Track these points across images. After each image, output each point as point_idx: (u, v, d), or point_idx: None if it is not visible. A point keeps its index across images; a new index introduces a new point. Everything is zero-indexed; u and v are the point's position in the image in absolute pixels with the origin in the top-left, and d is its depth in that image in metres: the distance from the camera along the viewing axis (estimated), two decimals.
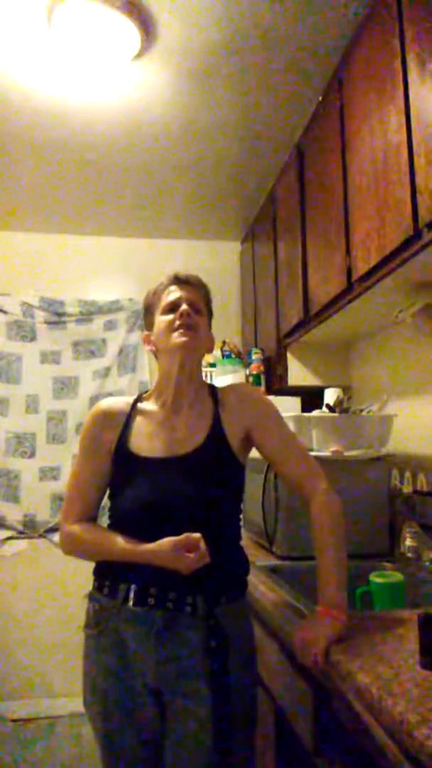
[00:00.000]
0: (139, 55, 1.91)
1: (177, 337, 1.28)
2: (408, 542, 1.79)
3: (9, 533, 3.10)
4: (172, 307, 1.31)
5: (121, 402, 1.38)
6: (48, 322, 3.28)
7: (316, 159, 2.07)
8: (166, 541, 1.14)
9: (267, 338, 2.83)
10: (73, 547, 1.29)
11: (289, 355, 2.62)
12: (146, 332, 1.39)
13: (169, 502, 1.22)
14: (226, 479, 1.29)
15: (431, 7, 1.31)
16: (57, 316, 3.29)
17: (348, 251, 1.77)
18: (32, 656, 3.02)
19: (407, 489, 2.02)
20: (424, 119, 1.33)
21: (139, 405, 1.37)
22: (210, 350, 1.41)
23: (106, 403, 1.38)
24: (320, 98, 2.03)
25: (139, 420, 1.34)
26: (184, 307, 1.30)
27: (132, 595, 1.19)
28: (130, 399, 1.40)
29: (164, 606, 1.17)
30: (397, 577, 1.46)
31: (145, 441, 1.30)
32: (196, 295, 1.36)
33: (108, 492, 1.34)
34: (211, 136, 2.42)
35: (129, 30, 1.77)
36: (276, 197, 2.64)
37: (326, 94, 1.98)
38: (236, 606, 1.24)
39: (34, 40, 1.84)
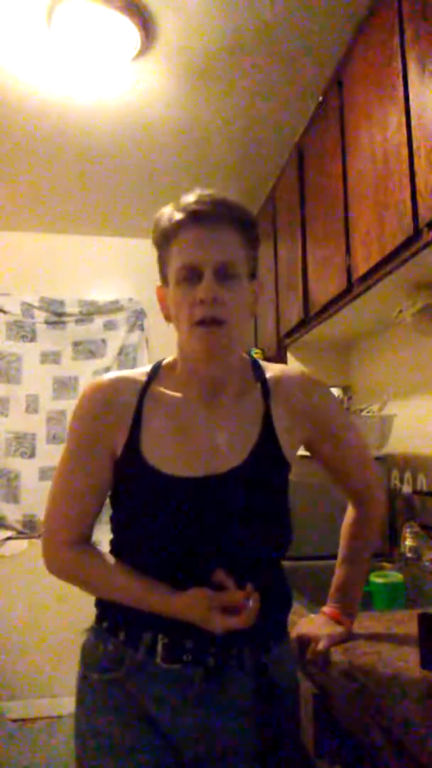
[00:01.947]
0: (139, 55, 1.91)
1: (196, 337, 0.91)
2: (408, 542, 1.79)
3: (9, 533, 3.09)
4: (189, 276, 0.91)
5: (127, 381, 0.99)
6: (48, 322, 3.28)
7: (316, 159, 2.07)
8: (203, 600, 0.86)
9: (267, 338, 2.82)
10: (68, 578, 0.99)
11: (289, 355, 2.61)
12: (159, 285, 1.00)
13: (206, 538, 0.92)
14: (280, 495, 1.00)
15: (431, 8, 1.31)
16: (57, 316, 3.28)
17: (348, 251, 1.76)
18: (32, 656, 3.02)
19: (407, 489, 2.02)
20: (424, 119, 1.33)
21: (156, 388, 0.99)
22: (254, 313, 1.02)
23: (105, 383, 0.99)
24: (320, 98, 2.03)
25: (156, 413, 0.97)
26: (205, 286, 0.89)
27: (160, 648, 0.91)
28: (141, 375, 1.01)
29: (204, 663, 0.90)
30: (397, 577, 1.46)
31: (169, 449, 0.94)
32: (229, 243, 0.91)
33: (111, 503, 1.01)
34: (211, 136, 2.42)
35: (129, 30, 1.77)
36: (276, 197, 2.64)
37: (326, 94, 1.98)
38: (284, 647, 1.01)
39: (34, 40, 1.84)
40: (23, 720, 2.91)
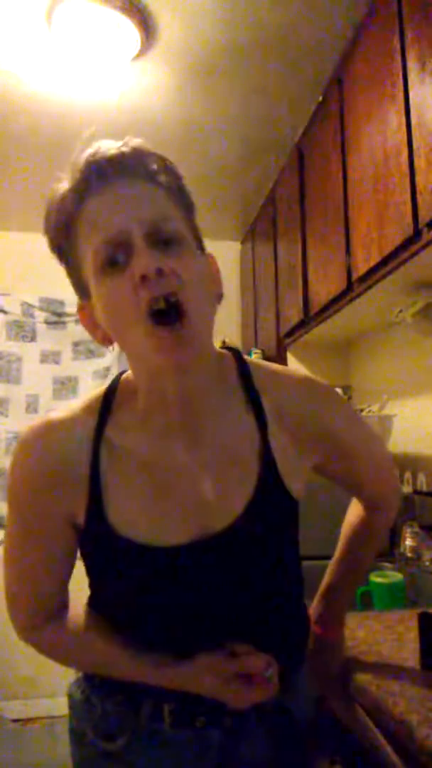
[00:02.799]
0: (139, 55, 1.91)
1: (153, 348, 0.65)
2: (408, 542, 1.78)
3: None
4: (114, 255, 0.65)
5: (71, 430, 0.73)
6: (48, 322, 3.28)
7: (316, 159, 2.07)
8: (214, 667, 0.71)
9: (267, 338, 2.82)
10: (61, 659, 0.83)
11: (289, 355, 2.61)
12: (79, 302, 0.75)
13: (205, 616, 0.75)
14: (289, 549, 0.83)
15: (431, 7, 1.31)
16: (57, 316, 3.28)
17: (348, 251, 1.76)
18: (32, 656, 2.99)
19: (407, 489, 2.02)
20: (424, 119, 1.33)
21: (110, 435, 0.74)
22: (220, 293, 0.76)
23: (43, 441, 0.73)
24: (320, 98, 2.03)
25: (117, 465, 0.73)
26: (139, 257, 0.63)
27: (166, 715, 0.75)
28: (89, 415, 0.75)
29: (221, 724, 0.75)
30: (397, 577, 1.46)
31: (143, 511, 0.72)
32: (151, 196, 0.68)
33: (85, 567, 0.80)
34: (211, 136, 2.42)
35: (129, 30, 1.77)
36: (276, 197, 2.64)
37: (326, 94, 1.98)
38: (300, 679, 0.85)
39: (34, 41, 1.84)
40: (23, 720, 2.91)
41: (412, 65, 1.38)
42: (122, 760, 0.76)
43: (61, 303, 3.29)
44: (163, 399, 0.72)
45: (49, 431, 0.73)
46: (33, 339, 3.26)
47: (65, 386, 3.25)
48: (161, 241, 0.66)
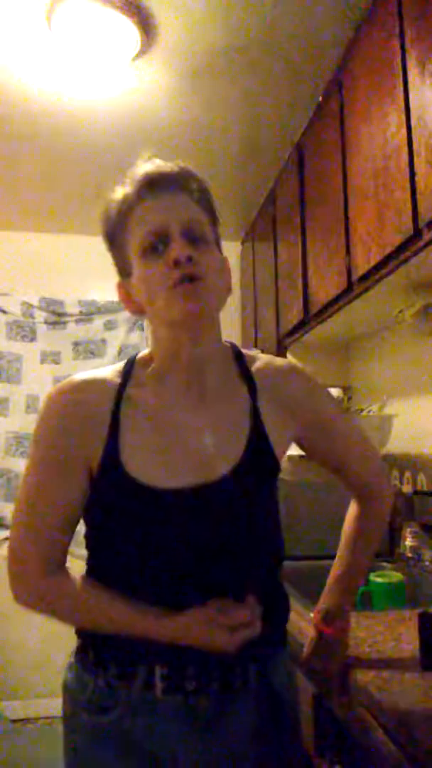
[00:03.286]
0: (139, 55, 1.91)
1: (179, 302, 0.81)
2: (408, 542, 1.79)
3: (9, 533, 3.09)
4: (156, 243, 0.83)
5: (98, 385, 0.88)
6: (48, 322, 3.28)
7: (316, 159, 2.07)
8: (198, 617, 0.78)
9: (267, 338, 2.83)
10: (44, 611, 0.87)
11: (289, 355, 2.61)
12: (120, 280, 0.91)
13: (199, 553, 0.84)
14: (272, 505, 0.94)
15: (431, 7, 1.31)
16: (57, 316, 3.29)
17: (348, 251, 1.76)
18: (32, 656, 3.02)
19: (407, 489, 2.02)
20: (424, 119, 1.33)
21: (131, 392, 0.88)
22: (229, 288, 0.92)
23: (72, 390, 0.87)
24: (320, 98, 2.03)
25: (135, 418, 0.86)
26: (176, 246, 0.81)
27: (158, 681, 0.82)
28: (114, 375, 0.90)
29: (208, 688, 0.82)
30: (397, 577, 1.46)
31: (152, 458, 0.84)
32: (190, 205, 0.86)
33: (88, 527, 0.90)
34: (211, 136, 2.42)
35: (129, 30, 1.77)
36: (276, 197, 2.64)
37: (326, 94, 1.98)
38: (282, 657, 0.94)
39: (34, 40, 1.84)
40: (23, 720, 2.91)
41: (412, 65, 1.38)
42: (115, 730, 0.82)
43: (61, 303, 3.29)
44: (177, 362, 0.87)
45: (78, 384, 0.88)
46: (33, 339, 3.26)
47: None
48: (192, 238, 0.84)
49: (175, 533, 0.83)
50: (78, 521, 0.89)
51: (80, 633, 0.90)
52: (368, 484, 1.03)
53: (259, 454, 0.88)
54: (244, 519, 0.87)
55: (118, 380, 0.90)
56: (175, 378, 0.89)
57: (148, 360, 0.93)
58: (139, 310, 0.90)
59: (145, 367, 0.92)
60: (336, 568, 1.04)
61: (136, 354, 0.96)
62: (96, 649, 0.86)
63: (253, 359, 0.96)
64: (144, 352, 0.95)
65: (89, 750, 0.85)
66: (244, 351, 0.97)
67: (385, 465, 1.08)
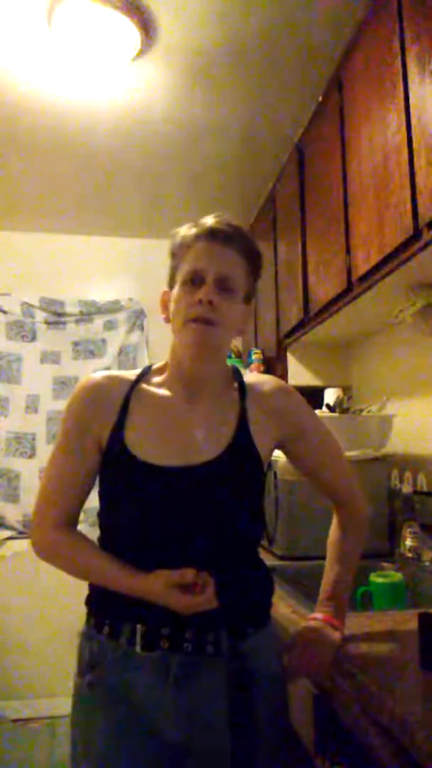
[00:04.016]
0: (139, 55, 1.91)
1: (189, 333, 1.00)
2: (408, 542, 1.79)
3: (9, 533, 3.09)
4: (194, 280, 1.01)
5: (118, 380, 1.08)
6: (48, 322, 3.28)
7: (316, 159, 2.07)
8: (162, 577, 0.92)
9: (267, 338, 2.83)
10: (52, 559, 1.05)
11: (289, 355, 2.61)
12: (166, 289, 1.09)
13: (180, 526, 0.98)
14: (251, 490, 1.06)
15: (431, 7, 1.31)
16: (57, 316, 3.29)
17: (348, 251, 1.77)
18: (32, 656, 3.02)
19: (407, 489, 2.02)
20: (424, 119, 1.33)
21: (143, 386, 1.08)
22: (242, 331, 1.11)
23: (97, 380, 1.07)
24: (320, 98, 2.03)
25: (140, 408, 1.05)
26: (205, 290, 0.99)
27: (138, 637, 0.96)
28: (132, 375, 1.10)
29: (181, 649, 0.95)
30: (397, 577, 1.46)
31: (150, 440, 1.02)
32: (233, 263, 1.02)
33: (99, 497, 1.07)
34: (211, 136, 2.42)
35: (129, 30, 1.77)
36: (276, 197, 2.64)
37: (326, 94, 1.98)
38: (264, 636, 1.04)
39: (34, 41, 1.84)
40: (23, 720, 2.91)
41: (412, 65, 1.38)
42: (102, 684, 0.98)
43: (61, 303, 3.29)
44: (181, 374, 1.07)
45: (104, 377, 1.09)
46: (33, 339, 3.26)
47: (65, 386, 3.25)
48: (223, 287, 1.01)
49: (164, 504, 0.98)
50: (89, 489, 1.07)
51: (87, 603, 1.06)
52: (344, 491, 1.17)
53: (243, 448, 1.03)
54: (224, 499, 1.01)
55: (133, 378, 1.09)
56: (178, 384, 1.07)
57: (162, 368, 1.12)
58: (167, 319, 1.08)
59: (159, 373, 1.12)
60: (325, 580, 1.14)
61: (153, 363, 1.15)
62: (96, 614, 1.03)
63: (248, 375, 1.15)
64: (159, 363, 1.14)
65: (84, 702, 1.01)
66: (241, 371, 1.16)
67: (357, 481, 1.19)
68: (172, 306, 1.05)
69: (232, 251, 1.03)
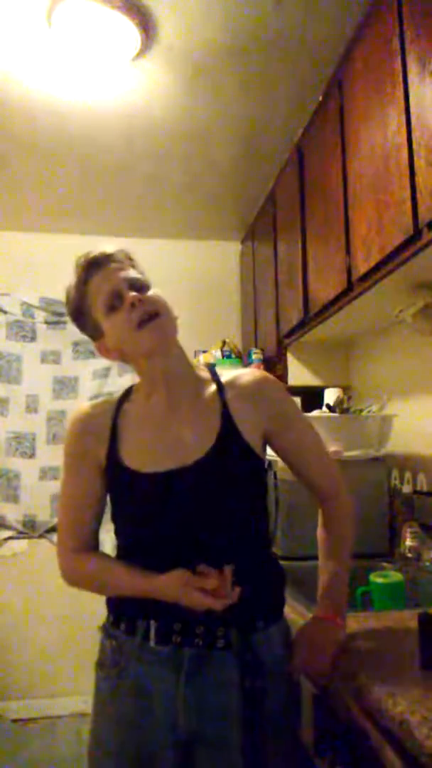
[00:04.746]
0: (139, 55, 1.91)
1: (147, 337, 1.04)
2: (408, 542, 1.79)
3: (9, 533, 3.09)
4: (113, 302, 1.05)
5: (103, 405, 1.16)
6: (48, 322, 3.28)
7: (316, 159, 2.07)
8: (175, 577, 0.96)
9: (267, 338, 2.83)
10: (78, 584, 1.12)
11: (289, 355, 2.61)
12: (96, 342, 1.13)
13: (184, 525, 1.02)
14: (248, 481, 1.09)
15: (431, 7, 1.31)
16: (57, 316, 3.28)
17: (348, 251, 1.77)
18: (32, 656, 3.02)
19: (407, 489, 2.02)
20: (424, 119, 1.33)
21: (126, 406, 1.14)
22: (173, 319, 1.13)
23: (85, 410, 1.15)
24: (320, 98, 2.03)
25: (129, 425, 1.11)
26: (130, 294, 1.04)
27: (152, 632, 1.01)
28: (114, 399, 1.17)
29: (192, 643, 1.00)
30: (397, 577, 1.46)
31: (142, 452, 1.07)
32: (121, 269, 1.09)
33: (111, 518, 1.14)
34: (211, 136, 2.42)
35: (129, 30, 1.77)
36: (276, 197, 2.64)
37: (326, 94, 1.98)
38: (276, 630, 1.06)
39: (34, 40, 1.84)
40: (23, 720, 2.91)
41: (412, 65, 1.38)
42: (120, 679, 1.04)
43: (61, 303, 3.25)
44: (156, 381, 1.11)
45: (91, 405, 1.17)
46: (33, 339, 3.26)
47: (65, 386, 3.26)
48: (137, 288, 1.07)
49: (162, 508, 1.03)
50: (102, 510, 1.14)
51: (107, 603, 1.12)
52: (327, 485, 1.18)
53: (230, 438, 1.06)
54: (221, 491, 1.04)
55: (116, 401, 1.16)
56: (158, 394, 1.11)
57: (139, 387, 1.17)
58: (120, 357, 1.11)
59: (137, 391, 1.17)
60: (320, 579, 1.14)
61: (132, 385, 1.20)
62: (114, 612, 1.10)
63: (226, 373, 1.17)
64: (137, 382, 1.18)
65: (104, 694, 1.07)
66: (218, 370, 1.19)
67: (340, 474, 1.19)
68: (113, 341, 1.08)
69: (113, 263, 1.09)
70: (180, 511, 1.02)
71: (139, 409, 1.13)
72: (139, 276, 1.10)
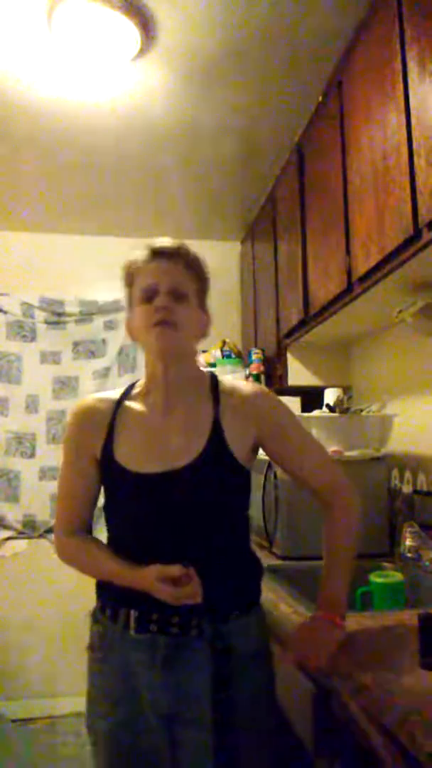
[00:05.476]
0: (139, 55, 1.91)
1: (154, 338, 1.11)
2: (408, 542, 1.78)
3: (9, 533, 3.09)
4: (149, 295, 1.12)
5: (105, 401, 1.21)
6: (48, 322, 3.28)
7: (316, 159, 2.07)
8: (152, 571, 1.03)
9: (267, 338, 2.83)
10: (69, 560, 1.20)
11: (289, 355, 2.61)
12: (127, 315, 1.20)
13: (166, 525, 1.10)
14: (229, 491, 1.15)
15: (431, 7, 1.31)
16: (57, 316, 3.28)
17: (348, 251, 1.77)
18: (32, 656, 3.02)
19: (407, 489, 2.02)
20: (424, 119, 1.33)
21: (126, 404, 1.20)
22: (204, 335, 1.22)
23: (87, 403, 1.22)
24: (320, 98, 2.03)
25: (125, 424, 1.17)
26: (160, 299, 1.11)
27: (132, 621, 1.09)
28: (117, 395, 1.22)
29: (168, 632, 1.07)
30: (397, 577, 1.46)
31: (134, 452, 1.13)
32: (180, 274, 1.14)
33: (103, 505, 1.21)
34: (211, 136, 2.42)
35: (129, 30, 1.77)
36: (276, 197, 2.64)
37: (326, 94, 1.98)
38: (249, 619, 1.13)
39: (34, 40, 1.84)
40: (23, 720, 2.91)
41: (412, 65, 1.38)
42: (103, 663, 1.13)
43: (61, 303, 3.29)
44: (156, 381, 1.17)
45: (93, 399, 1.23)
46: (33, 339, 3.26)
47: (65, 386, 3.26)
48: (176, 296, 1.12)
49: (149, 506, 1.11)
50: (95, 499, 1.21)
51: (96, 589, 1.19)
52: (329, 491, 1.19)
53: (217, 451, 1.12)
54: (202, 498, 1.11)
55: (118, 397, 1.21)
56: (155, 394, 1.18)
57: (142, 385, 1.22)
58: (135, 338, 1.19)
59: (140, 389, 1.22)
60: (322, 578, 1.16)
61: (136, 381, 1.25)
62: (101, 599, 1.17)
63: (225, 382, 1.22)
64: (141, 380, 1.24)
65: (90, 677, 1.17)
66: (220, 378, 1.23)
67: (344, 477, 1.19)
68: (135, 324, 1.16)
69: (176, 265, 1.14)
70: (163, 512, 1.09)
71: (136, 407, 1.19)
72: (185, 288, 1.14)
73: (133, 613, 1.09)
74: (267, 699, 1.15)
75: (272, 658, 1.17)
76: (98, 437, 1.16)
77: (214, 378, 1.23)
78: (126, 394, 1.22)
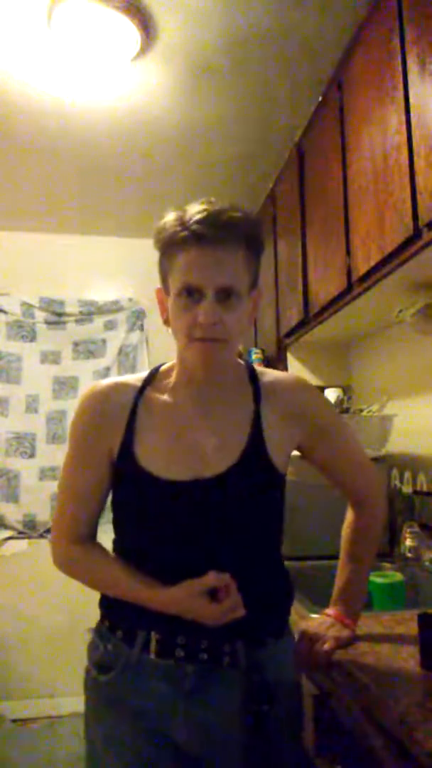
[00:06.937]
0: (139, 55, 1.91)
1: (194, 350, 0.93)
2: (408, 542, 1.79)
3: (9, 533, 3.09)
4: (190, 291, 0.90)
5: (124, 387, 1.02)
6: (48, 322, 3.28)
7: (316, 159, 2.07)
8: (183, 589, 0.88)
9: (267, 338, 2.82)
10: (70, 571, 1.03)
11: (289, 355, 2.61)
12: (159, 287, 0.99)
13: (194, 540, 0.94)
14: (266, 500, 1.01)
15: (431, 7, 1.31)
16: (57, 316, 3.28)
17: (348, 251, 1.76)
18: (32, 656, 3.02)
19: (407, 489, 2.02)
20: (424, 119, 1.33)
21: (150, 394, 1.01)
22: (253, 319, 1.03)
23: (102, 389, 1.02)
24: (320, 98, 2.03)
25: (149, 416, 0.99)
26: (205, 307, 0.89)
27: (153, 644, 0.93)
28: (138, 381, 1.03)
29: (196, 658, 0.91)
30: (397, 577, 1.46)
31: (159, 452, 0.96)
32: (229, 264, 0.90)
33: (112, 507, 1.04)
34: (211, 135, 2.42)
35: (129, 30, 1.77)
36: (276, 197, 2.64)
37: (326, 94, 1.98)
38: (282, 645, 1.00)
39: (34, 40, 1.84)
40: (23, 720, 2.91)
41: (412, 65, 1.38)
42: (114, 689, 0.95)
43: (61, 303, 3.29)
44: (191, 380, 1.00)
45: (110, 385, 1.03)
46: (33, 339, 3.26)
47: (65, 386, 3.25)
48: (222, 297, 0.91)
49: (172, 519, 0.95)
50: (105, 501, 1.04)
51: (101, 605, 1.04)
52: (361, 491, 1.12)
53: (256, 459, 0.97)
54: (236, 514, 0.96)
55: (140, 384, 1.03)
56: (189, 390, 1.01)
57: (169, 370, 1.05)
58: (166, 322, 0.99)
59: (166, 376, 1.04)
60: (338, 578, 1.12)
61: (161, 365, 1.07)
62: (110, 617, 1.00)
63: (264, 374, 1.06)
64: (167, 364, 1.06)
65: (90, 700, 1.00)
66: (257, 368, 1.08)
67: (379, 476, 1.16)
68: (170, 315, 0.96)
69: (228, 252, 0.90)
70: (192, 522, 0.94)
71: (163, 400, 1.01)
72: (236, 282, 0.91)
73: (154, 635, 0.93)
74: (300, 742, 1.05)
75: (301, 691, 1.07)
76: (115, 431, 0.98)
77: (250, 368, 1.07)
78: (148, 381, 1.03)
